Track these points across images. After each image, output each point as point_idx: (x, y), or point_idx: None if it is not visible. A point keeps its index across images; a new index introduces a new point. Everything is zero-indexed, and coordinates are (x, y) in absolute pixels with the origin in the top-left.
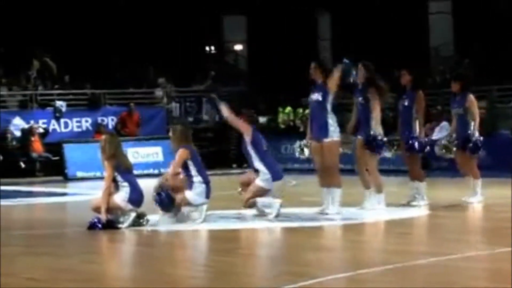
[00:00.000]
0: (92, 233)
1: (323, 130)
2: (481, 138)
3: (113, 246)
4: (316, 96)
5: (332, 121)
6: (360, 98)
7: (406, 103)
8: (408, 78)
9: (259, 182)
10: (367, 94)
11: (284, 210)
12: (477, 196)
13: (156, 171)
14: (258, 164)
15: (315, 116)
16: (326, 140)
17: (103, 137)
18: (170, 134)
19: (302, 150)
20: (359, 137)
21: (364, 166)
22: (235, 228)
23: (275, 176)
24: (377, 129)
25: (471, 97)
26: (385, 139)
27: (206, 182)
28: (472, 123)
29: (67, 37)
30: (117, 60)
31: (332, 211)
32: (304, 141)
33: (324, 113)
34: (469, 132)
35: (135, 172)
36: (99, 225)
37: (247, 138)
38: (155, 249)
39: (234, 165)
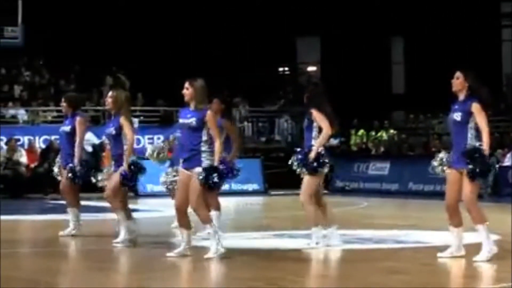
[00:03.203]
0: (159, 251)
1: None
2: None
3: (182, 264)
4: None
5: None
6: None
7: None
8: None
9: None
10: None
11: (355, 232)
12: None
13: (226, 186)
14: None
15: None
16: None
17: (113, 93)
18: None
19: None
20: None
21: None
22: (305, 247)
23: None
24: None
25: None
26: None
27: None
28: None
29: (141, 54)
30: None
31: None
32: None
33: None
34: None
35: None
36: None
37: None
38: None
39: None
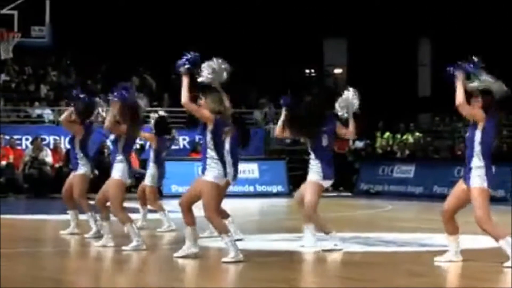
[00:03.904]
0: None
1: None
2: None
3: (201, 265)
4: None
5: None
6: None
7: None
8: None
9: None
10: None
11: (379, 235)
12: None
13: (251, 188)
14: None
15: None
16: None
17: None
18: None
19: None
20: None
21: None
22: (327, 249)
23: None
24: None
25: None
26: None
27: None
28: None
29: (168, 54)
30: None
31: None
32: None
33: None
34: None
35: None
36: None
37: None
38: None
39: (330, 188)
